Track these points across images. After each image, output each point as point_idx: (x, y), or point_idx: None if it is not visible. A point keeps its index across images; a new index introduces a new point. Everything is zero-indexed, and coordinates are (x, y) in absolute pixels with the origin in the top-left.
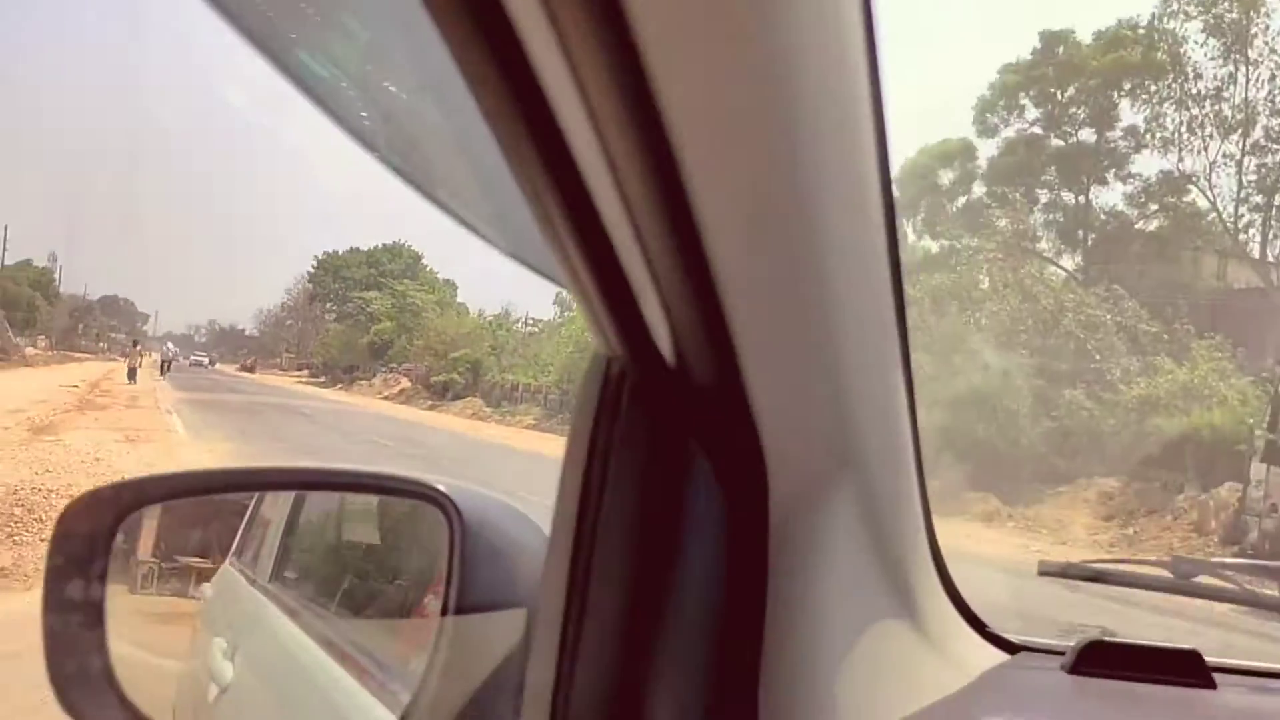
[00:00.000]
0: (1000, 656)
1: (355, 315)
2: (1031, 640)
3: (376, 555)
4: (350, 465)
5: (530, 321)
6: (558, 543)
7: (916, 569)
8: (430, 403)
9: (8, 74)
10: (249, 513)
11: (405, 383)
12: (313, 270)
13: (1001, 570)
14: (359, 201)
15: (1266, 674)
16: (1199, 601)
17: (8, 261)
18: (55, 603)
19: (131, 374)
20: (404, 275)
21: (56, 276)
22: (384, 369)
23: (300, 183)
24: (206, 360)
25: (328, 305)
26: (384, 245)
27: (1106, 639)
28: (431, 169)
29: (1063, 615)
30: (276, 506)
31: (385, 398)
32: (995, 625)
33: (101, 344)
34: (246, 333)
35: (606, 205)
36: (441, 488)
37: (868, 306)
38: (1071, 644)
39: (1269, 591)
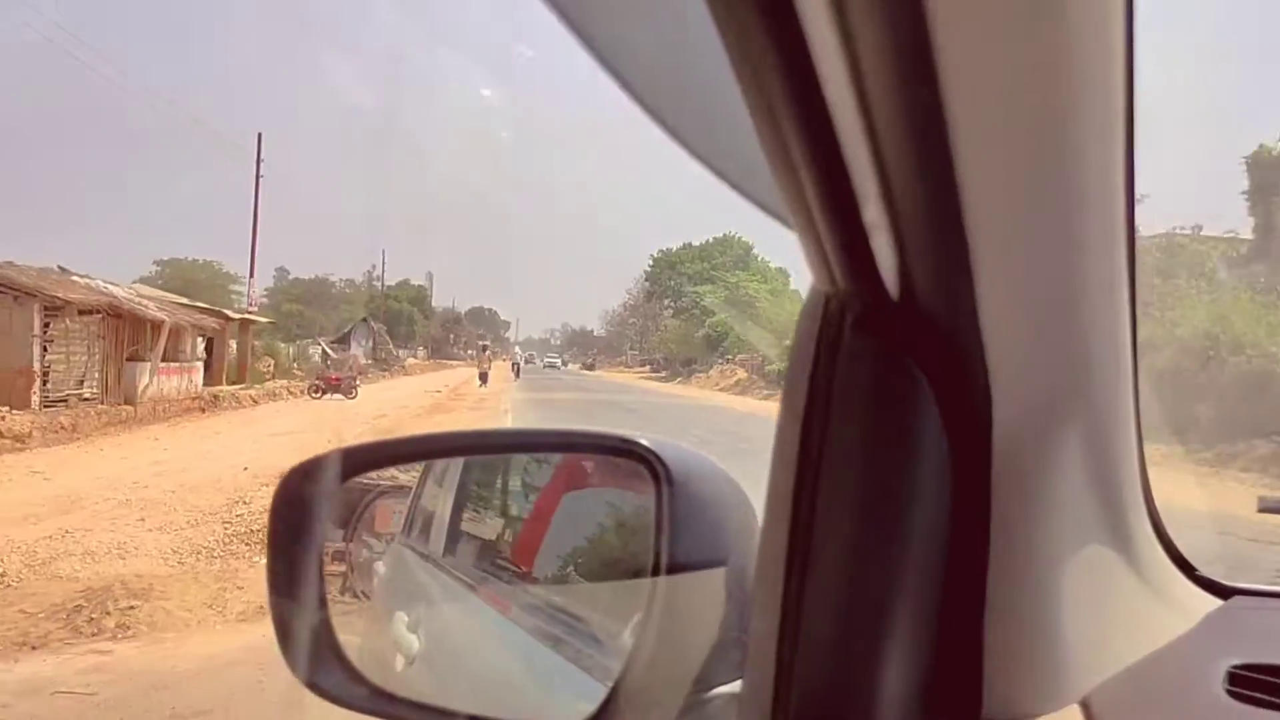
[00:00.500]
0: (1214, 601)
1: (690, 310)
2: (1243, 584)
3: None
4: (553, 426)
5: None
6: (778, 488)
7: (1131, 509)
8: (766, 392)
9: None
10: (414, 491)
11: (741, 373)
12: (649, 269)
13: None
14: (691, 198)
15: None
16: None
17: (389, 281)
18: (276, 571)
19: (483, 378)
20: (735, 267)
21: (430, 292)
22: (720, 361)
23: (640, 187)
24: (559, 361)
25: (665, 301)
26: (715, 239)
27: None
28: (649, 78)
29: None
30: (444, 482)
31: (721, 389)
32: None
33: (470, 351)
34: (595, 333)
35: (849, 136)
36: (644, 442)
37: (1109, 230)
38: None
39: None
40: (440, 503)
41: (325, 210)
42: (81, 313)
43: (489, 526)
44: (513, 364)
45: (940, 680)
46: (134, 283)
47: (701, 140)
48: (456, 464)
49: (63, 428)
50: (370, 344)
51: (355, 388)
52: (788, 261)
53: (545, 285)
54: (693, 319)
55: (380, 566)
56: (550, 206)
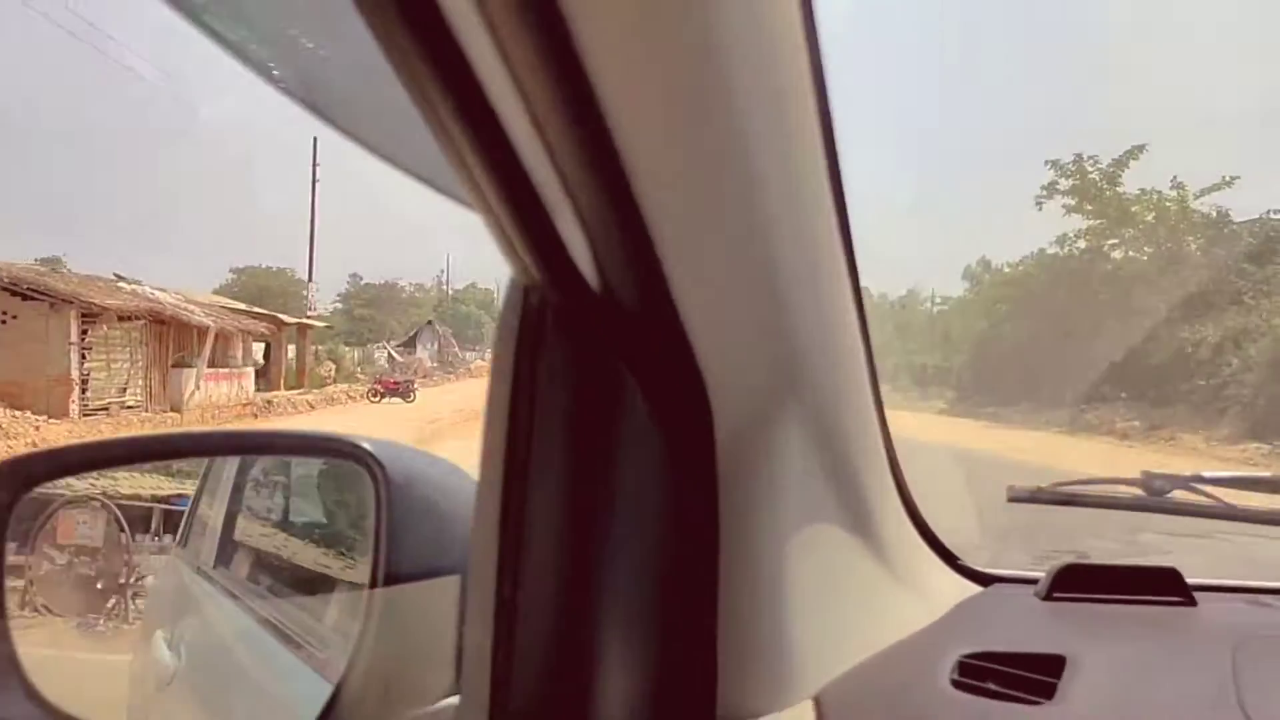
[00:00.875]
0: (973, 589)
1: None
2: (1004, 572)
3: (315, 528)
4: (273, 426)
5: (938, 299)
6: (486, 492)
7: (880, 502)
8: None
9: None
10: (191, 502)
11: None
12: None
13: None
14: None
15: (1249, 590)
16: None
17: (457, 285)
18: None
19: None
20: None
21: (496, 296)
22: None
23: None
24: None
25: None
26: None
27: (1081, 562)
28: (313, 77)
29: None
30: (218, 492)
31: None
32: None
33: None
34: None
35: (511, 116)
36: (365, 445)
37: (807, 222)
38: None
39: (1249, 504)
40: (214, 509)
41: (397, 214)
42: (122, 319)
43: (256, 535)
44: None
45: (671, 681)
46: (214, 291)
47: (387, 140)
48: (230, 472)
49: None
50: (436, 347)
51: (413, 392)
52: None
53: None
54: None
55: (152, 580)
56: None
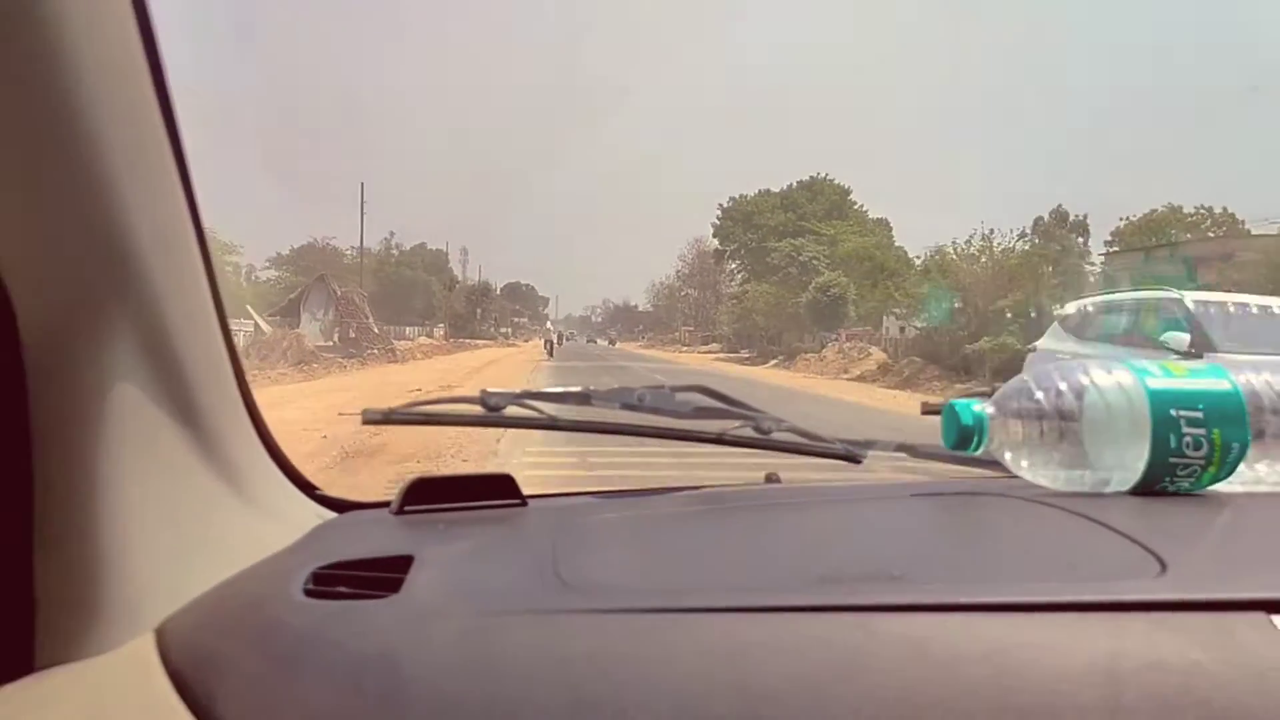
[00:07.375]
0: (331, 515)
1: (784, 268)
2: (362, 499)
3: None
4: None
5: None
6: None
7: (228, 424)
8: (953, 385)
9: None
10: None
11: (878, 354)
12: (717, 222)
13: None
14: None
15: (570, 494)
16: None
17: (406, 247)
18: None
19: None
20: (829, 216)
21: (454, 264)
22: (832, 337)
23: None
24: (607, 341)
25: (733, 265)
26: (800, 183)
27: (430, 476)
28: None
29: None
30: None
31: (855, 378)
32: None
33: (503, 330)
34: (639, 309)
35: None
36: None
37: (124, 105)
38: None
39: (566, 416)
40: None
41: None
42: None
43: None
44: (545, 341)
45: None
46: None
47: None
48: None
49: None
50: (331, 316)
51: None
52: (888, 210)
53: (584, 259)
54: (788, 280)
55: None
56: (584, 175)
